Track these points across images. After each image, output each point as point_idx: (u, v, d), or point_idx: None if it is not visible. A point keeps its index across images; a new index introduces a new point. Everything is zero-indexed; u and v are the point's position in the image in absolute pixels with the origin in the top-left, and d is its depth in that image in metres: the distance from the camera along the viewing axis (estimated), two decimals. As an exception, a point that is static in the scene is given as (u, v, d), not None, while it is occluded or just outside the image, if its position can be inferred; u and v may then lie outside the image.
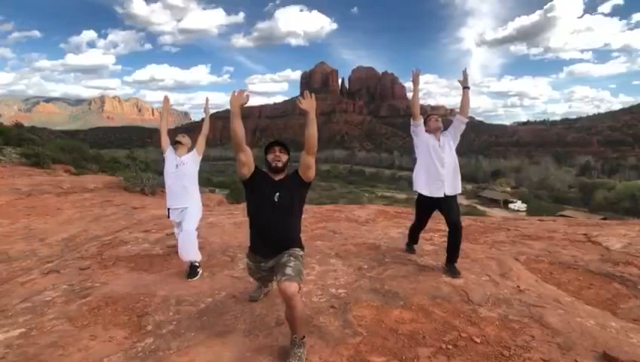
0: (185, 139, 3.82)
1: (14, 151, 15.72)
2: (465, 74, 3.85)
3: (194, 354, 2.23)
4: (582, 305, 2.93)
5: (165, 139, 3.80)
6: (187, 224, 3.61)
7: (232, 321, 2.63)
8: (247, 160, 2.42)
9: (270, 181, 2.43)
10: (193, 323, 2.62)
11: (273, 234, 2.41)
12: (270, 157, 2.43)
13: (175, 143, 3.77)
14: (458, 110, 3.83)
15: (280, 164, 2.41)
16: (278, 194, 2.38)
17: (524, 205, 65.80)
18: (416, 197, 3.84)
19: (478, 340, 2.36)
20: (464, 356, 2.21)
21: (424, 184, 3.67)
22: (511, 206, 66.99)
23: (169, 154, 3.73)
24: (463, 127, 3.73)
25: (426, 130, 3.74)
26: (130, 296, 3.07)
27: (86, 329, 2.55)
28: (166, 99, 3.89)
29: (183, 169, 3.66)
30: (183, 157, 3.70)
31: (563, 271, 3.79)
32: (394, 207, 8.48)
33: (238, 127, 2.36)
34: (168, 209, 3.76)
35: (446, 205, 3.55)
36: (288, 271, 2.22)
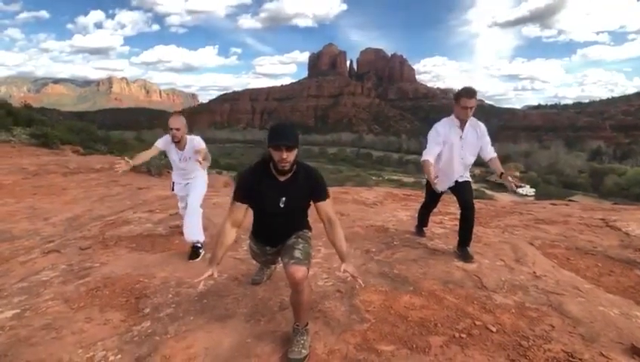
0: (179, 132, 3.38)
1: (24, 132, 15.73)
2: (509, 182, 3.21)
3: (192, 340, 2.11)
4: (603, 293, 2.75)
5: (142, 157, 3.42)
6: (192, 198, 3.52)
7: (233, 305, 2.51)
8: (246, 215, 2.18)
9: (274, 182, 2.07)
10: (192, 306, 2.50)
11: (278, 233, 2.25)
12: (276, 156, 1.95)
13: (174, 142, 3.46)
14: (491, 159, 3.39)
15: (287, 166, 1.98)
16: (284, 199, 2.10)
17: (533, 190, 65.15)
18: (425, 181, 3.65)
19: (494, 329, 2.22)
20: (479, 346, 2.07)
21: (439, 179, 3.42)
22: (519, 190, 66.22)
23: (166, 145, 3.49)
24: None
25: (455, 112, 3.26)
26: (130, 277, 2.97)
27: (82, 311, 2.45)
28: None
29: (188, 162, 3.56)
30: (185, 152, 3.49)
31: (580, 257, 3.61)
32: (402, 190, 8.30)
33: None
34: (173, 182, 3.72)
35: (457, 187, 3.37)
36: (297, 253, 2.06)
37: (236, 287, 2.78)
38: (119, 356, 1.98)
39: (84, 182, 9.01)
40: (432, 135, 3.35)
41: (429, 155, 3.30)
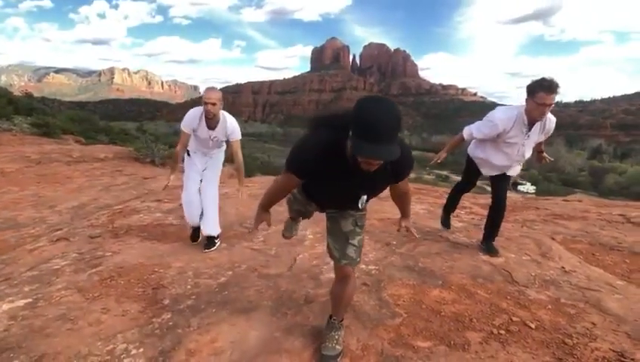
0: (215, 108, 2.95)
1: (25, 121, 15.58)
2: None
3: (216, 333, 2.00)
4: (638, 290, 2.64)
5: (178, 158, 3.23)
6: (209, 184, 3.32)
7: (255, 297, 2.40)
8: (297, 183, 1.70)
9: (352, 174, 1.45)
10: (213, 297, 2.38)
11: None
12: (361, 162, 1.32)
13: (207, 118, 3.03)
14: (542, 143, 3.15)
15: (373, 169, 1.36)
16: (365, 198, 1.61)
17: (533, 187, 65.00)
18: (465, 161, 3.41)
19: (533, 325, 2.10)
20: (520, 343, 1.96)
21: (485, 165, 3.17)
22: (520, 188, 66.11)
23: (194, 122, 3.05)
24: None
25: (527, 108, 2.62)
26: (144, 266, 2.85)
27: (97, 301, 2.33)
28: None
29: (216, 144, 3.24)
30: (216, 132, 3.10)
31: (606, 253, 3.50)
32: (414, 184, 8.17)
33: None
34: (188, 150, 3.27)
35: (497, 178, 3.18)
36: (350, 251, 1.75)
37: (257, 279, 2.66)
38: (141, 349, 1.86)
39: (88, 171, 8.88)
40: (487, 125, 2.86)
41: (467, 134, 3.04)
